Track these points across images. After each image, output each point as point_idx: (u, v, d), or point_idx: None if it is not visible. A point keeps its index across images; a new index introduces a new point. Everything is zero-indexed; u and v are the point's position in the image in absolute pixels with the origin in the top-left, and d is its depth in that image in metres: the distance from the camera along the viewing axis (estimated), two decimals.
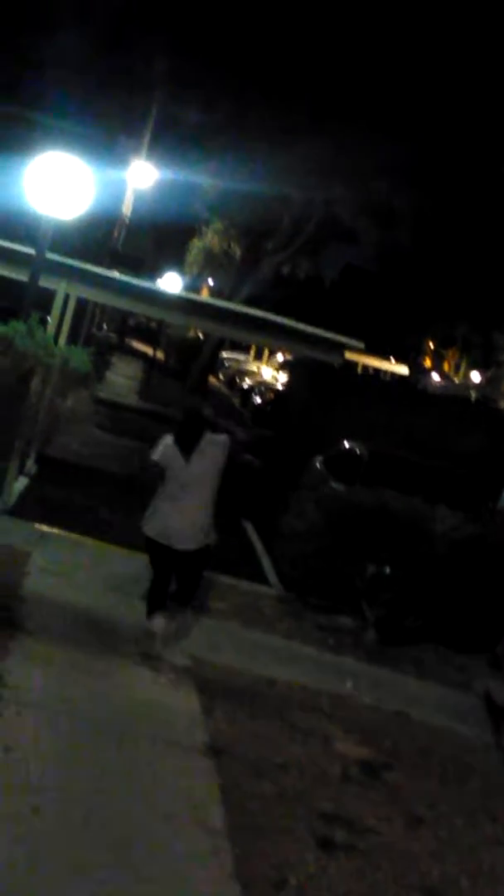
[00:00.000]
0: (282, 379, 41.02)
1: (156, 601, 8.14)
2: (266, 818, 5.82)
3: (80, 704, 6.60)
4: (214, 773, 6.19)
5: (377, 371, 51.27)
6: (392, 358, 53.34)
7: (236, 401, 38.67)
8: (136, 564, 10.05)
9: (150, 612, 8.09)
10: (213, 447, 8.05)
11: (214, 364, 42.62)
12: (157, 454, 8.05)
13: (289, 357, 37.28)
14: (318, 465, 15.23)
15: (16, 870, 4.58)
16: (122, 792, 5.65)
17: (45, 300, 14.66)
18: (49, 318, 14.62)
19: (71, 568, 9.63)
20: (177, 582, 8.20)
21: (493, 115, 28.27)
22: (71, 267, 14.28)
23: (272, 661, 8.76)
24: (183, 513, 7.93)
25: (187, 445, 7.96)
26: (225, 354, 48.14)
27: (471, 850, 6.28)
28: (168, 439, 8.09)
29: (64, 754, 5.86)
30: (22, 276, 12.90)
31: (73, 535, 10.81)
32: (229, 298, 32.42)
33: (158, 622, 8.01)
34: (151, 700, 7.09)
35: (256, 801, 5.99)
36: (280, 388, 35.50)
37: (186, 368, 37.48)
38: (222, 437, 8.23)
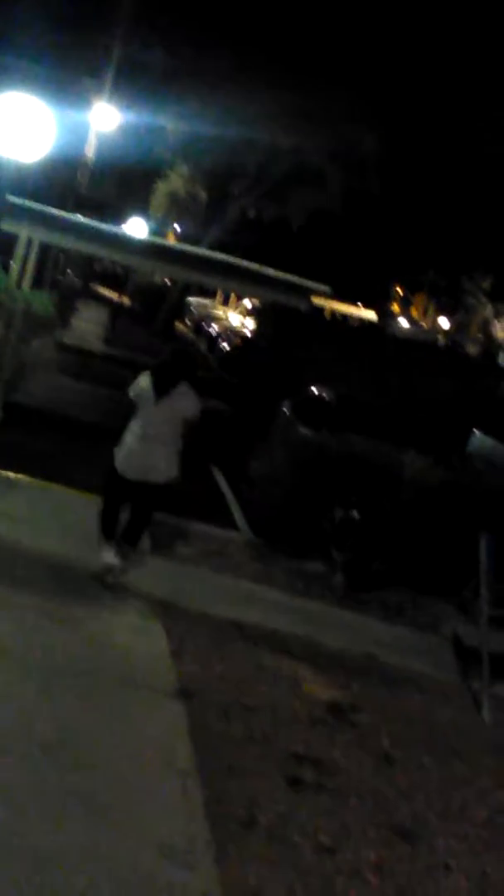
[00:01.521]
0: (249, 325, 40.84)
1: (108, 529, 8.56)
2: (236, 759, 5.85)
3: (46, 650, 6.58)
4: (184, 716, 6.20)
5: (345, 316, 51.19)
6: (360, 303, 53.24)
7: (203, 346, 38.46)
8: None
9: (106, 538, 8.50)
10: (185, 400, 8.45)
11: (181, 309, 42.33)
12: (133, 390, 8.49)
13: (256, 302, 37.09)
14: (285, 410, 15.19)
15: None
16: (90, 736, 5.65)
17: (7, 245, 14.43)
18: (12, 263, 14.39)
19: (37, 514, 9.57)
20: (128, 520, 8.67)
21: (462, 61, 28.03)
22: (33, 210, 14.00)
23: (241, 606, 8.78)
24: (150, 448, 8.36)
25: (161, 388, 8.33)
26: (191, 300, 47.81)
27: (440, 788, 6.36)
28: (147, 375, 8.47)
29: (32, 700, 5.84)
30: None
31: (40, 482, 10.73)
32: (195, 243, 32.14)
33: (109, 556, 8.37)
34: (119, 645, 7.07)
35: (226, 743, 6.02)
36: (247, 333, 35.34)
37: (152, 314, 37.20)
38: (194, 397, 8.54)
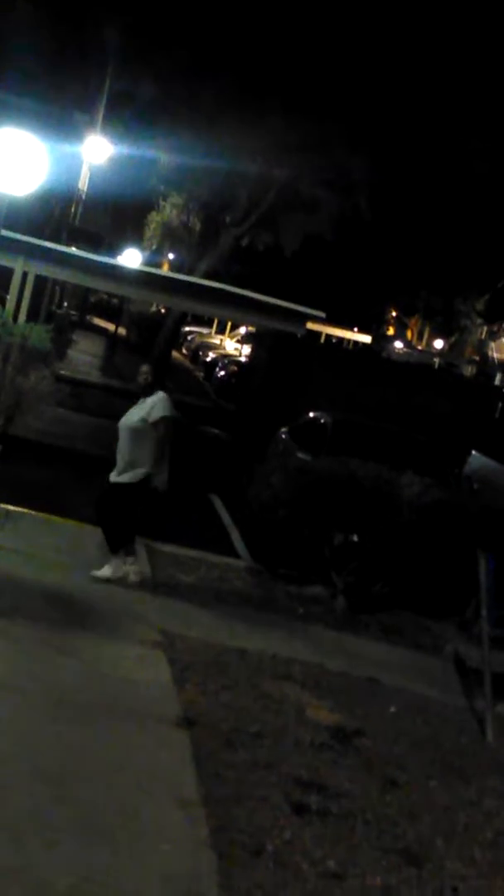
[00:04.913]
0: (245, 351, 40.96)
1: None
2: (241, 787, 5.84)
3: (49, 681, 6.58)
4: (188, 745, 6.19)
5: (340, 340, 51.34)
6: (355, 327, 53.37)
7: (200, 374, 38.58)
8: (102, 541, 10.02)
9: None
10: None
11: (177, 338, 42.44)
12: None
13: (251, 329, 37.22)
14: (283, 435, 15.23)
15: None
16: (95, 766, 5.64)
17: (2, 278, 14.53)
18: (7, 297, 14.47)
19: (37, 546, 9.60)
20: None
21: (452, 84, 28.23)
22: (27, 244, 14.09)
23: (243, 632, 8.78)
24: None
25: None
26: (187, 328, 47.97)
27: (445, 810, 6.34)
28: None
29: (35, 731, 5.84)
30: None
31: (39, 514, 10.76)
32: (190, 272, 32.28)
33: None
34: (122, 674, 7.08)
35: (231, 771, 6.00)
36: (243, 360, 35.45)
37: (149, 344, 37.33)
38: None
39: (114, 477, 9.22)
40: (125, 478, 9.14)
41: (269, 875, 5.03)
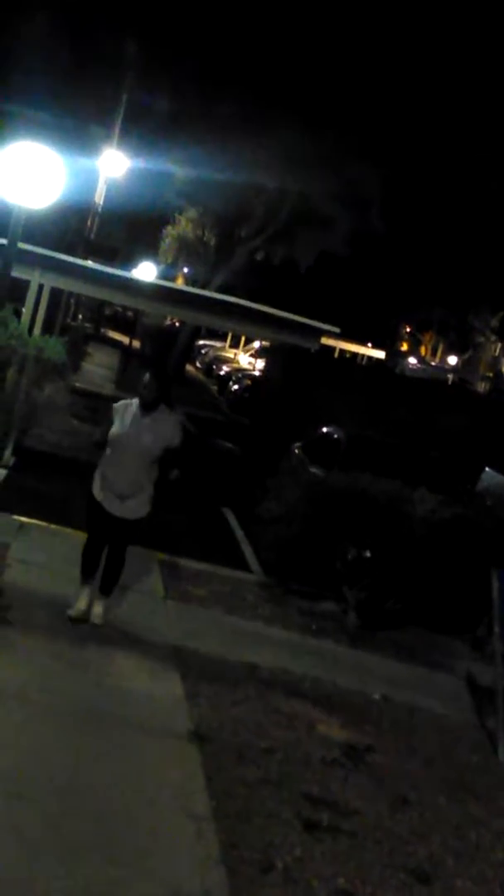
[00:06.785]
0: (259, 365, 40.98)
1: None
2: (251, 803, 5.83)
3: (61, 695, 6.58)
4: (199, 760, 6.19)
5: (354, 356, 51.36)
6: (369, 342, 53.41)
7: (213, 388, 38.61)
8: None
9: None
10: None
11: (191, 352, 42.53)
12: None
13: (265, 344, 37.26)
14: (296, 450, 15.23)
15: (0, 857, 4.58)
16: (106, 780, 5.64)
17: (18, 291, 14.60)
18: (23, 309, 14.54)
19: (51, 559, 9.59)
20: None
21: (463, 100, 28.32)
22: (44, 257, 14.20)
23: (255, 647, 8.76)
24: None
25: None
26: (201, 342, 48.05)
27: (456, 828, 6.32)
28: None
29: (47, 744, 5.84)
30: None
31: (52, 526, 10.76)
32: (204, 286, 32.38)
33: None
34: (134, 688, 7.07)
35: (241, 786, 5.99)
36: (257, 374, 35.47)
37: (163, 357, 37.41)
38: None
39: (133, 513, 8.11)
40: (143, 511, 8.14)
41: (279, 892, 5.03)
